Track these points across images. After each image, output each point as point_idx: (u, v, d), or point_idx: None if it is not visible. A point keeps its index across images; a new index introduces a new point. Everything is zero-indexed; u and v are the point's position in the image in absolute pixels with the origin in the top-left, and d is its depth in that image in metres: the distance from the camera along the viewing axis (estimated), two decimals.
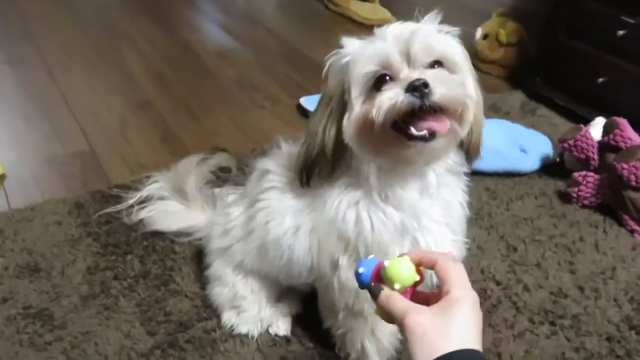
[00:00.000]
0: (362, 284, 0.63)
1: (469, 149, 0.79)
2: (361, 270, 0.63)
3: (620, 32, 1.61)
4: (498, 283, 1.14)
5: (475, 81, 0.74)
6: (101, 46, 2.12)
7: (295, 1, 2.86)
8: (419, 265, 0.62)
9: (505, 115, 1.78)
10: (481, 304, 1.08)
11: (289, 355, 0.97)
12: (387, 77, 0.69)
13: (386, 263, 0.61)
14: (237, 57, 2.15)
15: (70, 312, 1.01)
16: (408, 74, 0.68)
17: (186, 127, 1.63)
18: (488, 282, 1.14)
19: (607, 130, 1.40)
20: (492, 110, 1.80)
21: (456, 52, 0.72)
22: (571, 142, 1.41)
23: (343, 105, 0.72)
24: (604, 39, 1.67)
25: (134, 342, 0.97)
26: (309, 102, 1.74)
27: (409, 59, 0.68)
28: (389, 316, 0.60)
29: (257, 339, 0.99)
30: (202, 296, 1.06)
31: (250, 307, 0.98)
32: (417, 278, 0.61)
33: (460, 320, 0.57)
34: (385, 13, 2.48)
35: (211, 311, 1.03)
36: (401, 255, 0.62)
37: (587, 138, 1.40)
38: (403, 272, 0.61)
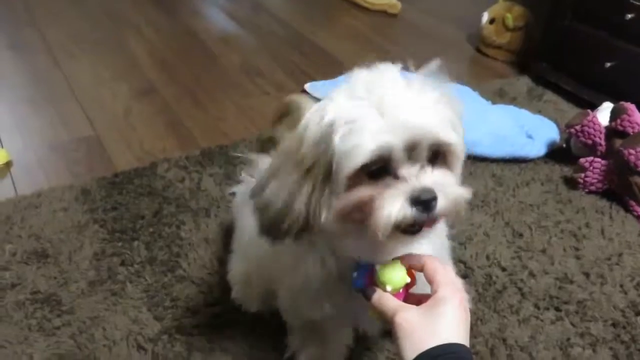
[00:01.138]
0: (357, 287, 0.67)
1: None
2: (355, 274, 0.68)
3: (629, 16, 1.58)
4: (503, 269, 1.15)
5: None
6: (105, 32, 2.11)
7: None
8: (410, 268, 0.66)
9: (512, 100, 1.77)
10: (486, 289, 1.10)
11: None
12: (382, 167, 0.60)
13: (378, 267, 0.65)
14: (242, 43, 2.13)
15: (78, 297, 1.02)
16: (409, 172, 0.60)
17: (190, 114, 1.63)
18: (493, 268, 1.15)
19: (614, 115, 1.39)
20: (499, 95, 1.79)
21: (459, 143, 0.65)
22: (578, 127, 1.40)
23: (325, 180, 0.61)
24: (611, 22, 1.65)
25: (141, 327, 0.98)
26: (314, 88, 1.73)
27: (410, 154, 0.60)
28: (381, 316, 0.64)
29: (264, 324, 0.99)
30: (209, 282, 1.07)
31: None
32: (408, 280, 0.66)
33: (446, 318, 0.60)
34: None
35: (217, 297, 1.04)
36: (393, 259, 0.66)
37: (594, 123, 1.39)
38: (394, 275, 0.65)
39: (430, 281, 0.64)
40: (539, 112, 1.67)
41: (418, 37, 2.26)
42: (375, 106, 0.59)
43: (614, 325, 1.04)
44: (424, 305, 0.62)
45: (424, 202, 0.59)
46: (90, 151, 1.45)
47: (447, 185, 0.62)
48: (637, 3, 1.56)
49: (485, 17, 2.07)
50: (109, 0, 2.41)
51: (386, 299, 0.64)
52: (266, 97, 1.75)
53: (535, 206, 1.33)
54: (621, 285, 1.12)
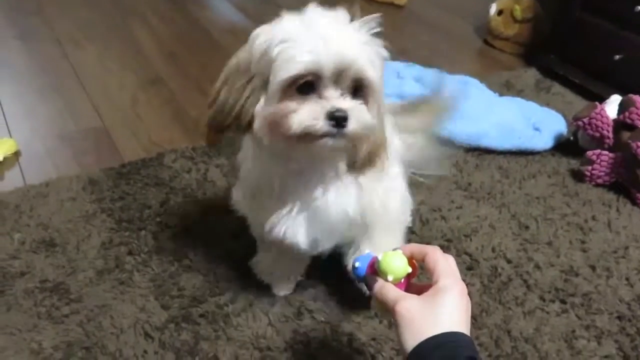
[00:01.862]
0: (359, 277, 0.69)
1: (362, 165, 0.79)
2: (357, 264, 0.69)
3: (638, 8, 1.57)
4: (509, 261, 1.15)
5: (383, 103, 0.77)
6: (112, 22, 2.11)
7: None
8: (411, 259, 0.67)
9: (519, 92, 1.76)
10: (491, 281, 1.10)
11: (300, 330, 0.99)
12: (310, 84, 0.70)
13: (380, 257, 0.67)
14: (248, 34, 2.12)
15: (85, 286, 1.03)
16: (332, 94, 0.70)
17: (197, 104, 1.63)
18: (499, 260, 1.15)
19: (622, 108, 1.38)
20: (506, 87, 1.78)
21: (379, 81, 0.74)
22: (586, 120, 1.39)
23: (261, 91, 0.72)
24: (621, 14, 1.64)
25: (149, 315, 0.99)
26: None
27: (337, 78, 0.70)
28: (382, 306, 0.65)
29: (269, 314, 1.00)
30: (215, 272, 1.07)
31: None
32: (410, 270, 0.67)
33: (446, 307, 0.61)
34: None
35: (224, 287, 1.05)
36: (395, 250, 0.67)
37: (602, 116, 1.38)
38: (395, 264, 0.66)
39: (431, 271, 0.65)
40: (547, 104, 1.66)
41: (425, 29, 2.25)
42: (314, 31, 0.70)
43: (619, 318, 1.04)
44: (424, 295, 0.63)
45: (336, 118, 0.69)
46: (97, 141, 1.45)
47: (361, 113, 0.72)
48: None
49: (494, 8, 2.05)
50: None
51: (387, 289, 0.65)
52: None
53: (541, 199, 1.33)
54: (627, 279, 1.12)
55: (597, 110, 1.38)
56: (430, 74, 1.57)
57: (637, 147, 1.27)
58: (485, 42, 2.13)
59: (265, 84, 0.71)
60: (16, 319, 0.96)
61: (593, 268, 1.14)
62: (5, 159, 1.33)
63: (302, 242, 0.86)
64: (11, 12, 2.10)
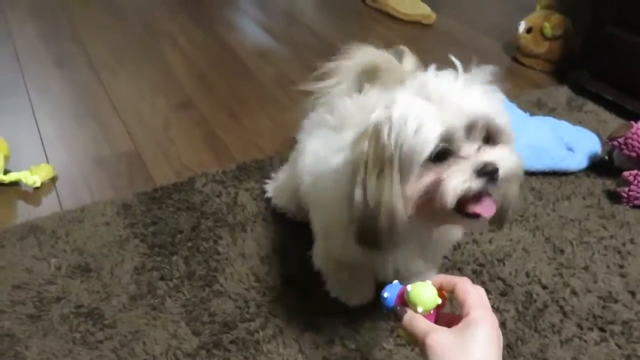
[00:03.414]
0: (388, 307, 0.68)
1: (502, 216, 0.81)
2: (386, 294, 0.68)
3: None
4: (544, 287, 1.12)
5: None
6: (144, 47, 2.16)
7: None
8: (441, 289, 0.66)
9: (551, 111, 1.73)
10: (526, 308, 1.08)
11: (331, 357, 0.98)
12: (446, 150, 0.70)
13: (409, 287, 0.66)
14: (277, 56, 2.16)
15: (119, 311, 1.04)
16: (468, 152, 0.71)
17: (227, 127, 1.65)
18: (534, 286, 1.12)
19: None
20: (537, 106, 1.75)
21: (509, 126, 0.74)
22: (621, 139, 1.36)
23: (393, 174, 0.71)
24: None
25: (180, 342, 0.99)
26: None
27: (469, 135, 0.71)
28: (412, 337, 0.64)
29: (299, 340, 1.00)
30: (245, 297, 1.08)
31: None
32: (439, 301, 0.67)
33: (478, 341, 0.59)
34: (425, 8, 2.44)
35: (254, 312, 1.05)
36: (424, 280, 0.66)
37: (638, 135, 1.35)
38: (425, 295, 0.65)
39: (461, 303, 0.64)
40: (580, 123, 1.63)
41: (453, 47, 2.23)
42: (434, 100, 0.70)
43: None
44: (455, 327, 0.62)
45: (488, 172, 0.69)
46: (130, 165, 1.48)
47: (505, 157, 0.72)
48: None
49: (522, 26, 2.03)
50: (148, 15, 2.48)
51: (417, 320, 0.64)
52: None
53: (576, 221, 1.30)
54: None
55: (634, 130, 1.35)
56: None
57: None
58: (515, 59, 2.11)
59: (397, 169, 0.71)
60: (52, 345, 0.98)
61: (633, 294, 1.11)
62: (42, 184, 1.36)
63: (411, 271, 0.92)
64: (49, 39, 2.18)
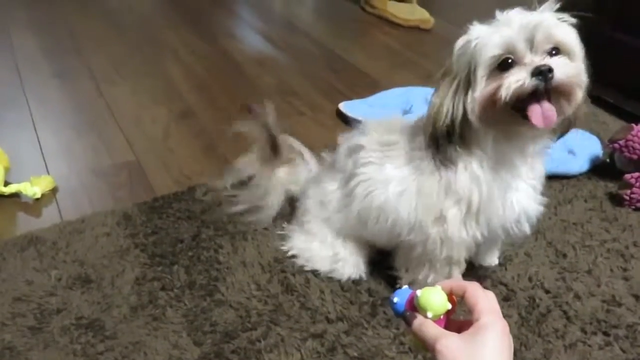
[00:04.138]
0: (397, 313, 0.67)
1: (569, 125, 0.93)
2: (396, 299, 0.67)
3: None
4: (547, 291, 1.11)
5: (585, 67, 0.85)
6: (144, 58, 2.17)
7: (331, 5, 2.86)
8: (451, 294, 0.65)
9: None
10: (529, 313, 1.07)
11: None
12: (510, 61, 0.80)
13: (419, 292, 0.65)
14: (276, 64, 2.16)
15: (120, 322, 1.04)
16: (531, 59, 0.79)
17: (227, 136, 1.65)
18: (537, 290, 1.11)
19: None
20: None
21: (573, 41, 0.83)
22: (622, 142, 1.36)
23: (468, 84, 0.83)
24: None
25: (182, 352, 0.99)
26: (349, 107, 1.73)
27: (531, 46, 0.80)
28: (422, 343, 0.63)
29: (301, 349, 0.99)
30: (247, 306, 1.07)
31: (347, 266, 1.12)
32: (449, 306, 0.65)
33: (488, 347, 0.58)
34: (423, 13, 2.45)
35: (255, 321, 1.04)
36: (433, 285, 0.65)
37: (639, 137, 1.34)
38: (435, 301, 0.64)
39: (471, 308, 0.63)
40: (581, 126, 1.62)
41: (452, 52, 2.24)
42: (502, 20, 0.82)
43: None
44: (465, 333, 0.61)
45: (541, 71, 0.77)
46: (131, 175, 1.48)
47: (565, 65, 0.80)
48: None
49: None
50: (148, 26, 2.49)
51: (427, 326, 0.63)
52: (301, 118, 1.77)
53: (579, 224, 1.29)
54: None
55: (634, 132, 1.34)
56: None
57: None
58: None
59: (468, 80, 0.83)
60: (53, 357, 0.97)
61: (637, 297, 1.10)
62: (43, 195, 1.37)
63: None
64: (50, 51, 2.19)
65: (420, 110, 1.52)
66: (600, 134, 1.57)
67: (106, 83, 1.96)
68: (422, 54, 2.23)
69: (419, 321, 0.64)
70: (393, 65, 2.13)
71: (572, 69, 0.81)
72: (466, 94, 0.84)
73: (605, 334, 1.03)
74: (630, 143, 1.34)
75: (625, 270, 1.16)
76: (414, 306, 0.66)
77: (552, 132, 0.93)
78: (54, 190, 1.40)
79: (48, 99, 1.86)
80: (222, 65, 2.13)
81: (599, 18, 1.75)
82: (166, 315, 1.06)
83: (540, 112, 0.81)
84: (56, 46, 2.24)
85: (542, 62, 0.78)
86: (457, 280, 0.67)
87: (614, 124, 1.67)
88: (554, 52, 0.81)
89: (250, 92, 1.93)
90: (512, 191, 0.93)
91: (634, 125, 1.38)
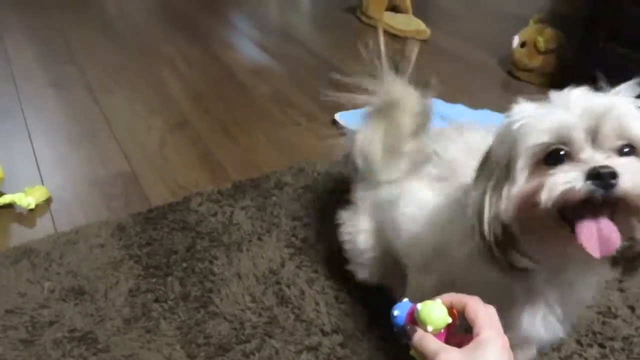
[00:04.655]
0: (397, 326, 0.66)
1: (637, 256, 0.64)
2: (396, 313, 0.67)
3: None
4: None
5: None
6: (140, 68, 2.17)
7: (328, 15, 2.87)
8: (451, 308, 0.65)
9: None
10: None
11: None
12: (563, 153, 0.59)
13: (419, 306, 0.64)
14: (272, 74, 2.17)
15: (113, 335, 1.03)
16: (591, 156, 0.58)
17: (222, 146, 1.65)
18: None
19: None
20: None
21: None
22: None
23: (506, 178, 0.63)
24: None
25: None
26: (344, 117, 1.73)
27: (594, 138, 0.59)
28: (422, 357, 0.62)
29: None
30: (241, 318, 1.07)
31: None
32: (449, 320, 0.65)
33: None
34: (419, 24, 2.46)
35: (249, 334, 1.04)
36: (434, 299, 0.65)
37: None
38: (435, 315, 0.63)
39: (472, 322, 0.62)
40: None
41: (448, 62, 2.25)
42: (555, 101, 0.62)
43: None
44: (466, 348, 0.61)
45: (600, 174, 0.55)
46: (126, 185, 1.48)
47: (634, 168, 0.57)
48: None
49: (516, 40, 2.05)
50: (144, 36, 2.49)
51: (427, 340, 0.63)
52: (297, 128, 1.77)
53: None
54: None
55: None
56: (454, 112, 1.56)
57: None
58: (510, 74, 2.12)
59: (507, 172, 0.62)
60: None
61: (632, 309, 1.10)
62: (37, 206, 1.36)
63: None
64: (46, 60, 2.19)
65: None
66: None
67: (102, 92, 1.96)
68: (418, 65, 2.23)
69: (419, 335, 0.64)
70: None
71: None
72: (502, 189, 0.63)
73: (601, 346, 1.02)
74: None
75: (620, 281, 1.16)
76: (414, 319, 0.65)
77: (612, 262, 0.65)
78: (48, 201, 1.39)
79: (43, 108, 1.85)
80: (218, 75, 2.13)
81: (592, 30, 1.77)
82: (160, 327, 1.05)
83: (595, 233, 0.57)
84: (52, 56, 2.24)
85: (604, 162, 0.56)
86: (457, 294, 0.66)
87: None
88: (625, 150, 0.59)
89: (246, 101, 1.93)
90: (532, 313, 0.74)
91: None
